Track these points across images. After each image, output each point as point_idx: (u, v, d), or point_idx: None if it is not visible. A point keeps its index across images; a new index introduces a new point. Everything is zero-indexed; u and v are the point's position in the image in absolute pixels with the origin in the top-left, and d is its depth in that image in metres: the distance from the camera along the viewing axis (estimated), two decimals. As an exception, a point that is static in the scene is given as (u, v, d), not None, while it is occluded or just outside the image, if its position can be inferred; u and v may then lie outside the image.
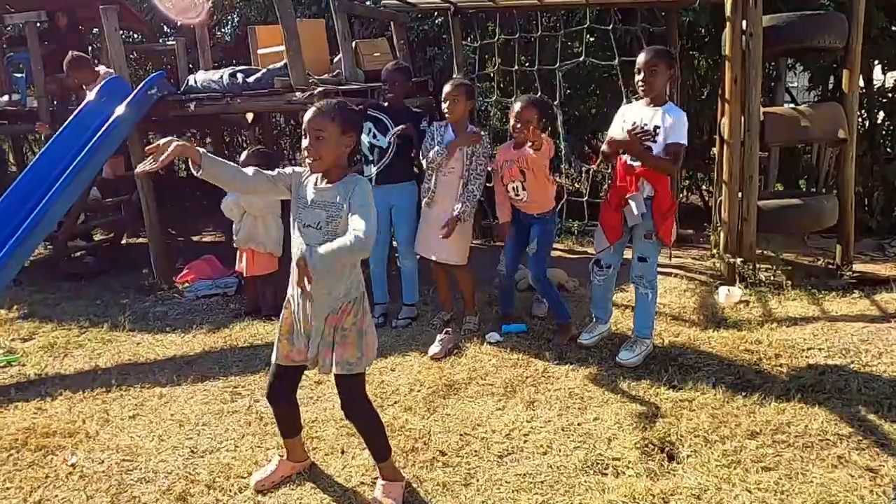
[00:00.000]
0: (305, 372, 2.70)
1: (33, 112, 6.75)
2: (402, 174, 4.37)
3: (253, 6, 7.94)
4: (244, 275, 4.82)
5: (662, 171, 3.46)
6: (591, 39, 6.13)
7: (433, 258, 4.18)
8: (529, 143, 3.62)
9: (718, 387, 3.33)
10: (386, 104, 4.38)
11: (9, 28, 8.69)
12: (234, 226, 4.76)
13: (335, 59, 5.82)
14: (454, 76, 5.78)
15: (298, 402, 2.77)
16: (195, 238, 7.70)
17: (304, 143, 2.38)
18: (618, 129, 3.60)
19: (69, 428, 3.20)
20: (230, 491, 2.69)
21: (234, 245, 4.81)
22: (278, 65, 4.83)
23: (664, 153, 3.42)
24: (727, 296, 4.45)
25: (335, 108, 2.36)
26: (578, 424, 3.08)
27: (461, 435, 3.03)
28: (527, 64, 6.45)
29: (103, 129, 4.95)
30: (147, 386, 3.66)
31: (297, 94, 4.49)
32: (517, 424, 3.10)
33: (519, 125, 3.77)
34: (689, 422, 3.04)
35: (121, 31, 5.58)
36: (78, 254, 6.49)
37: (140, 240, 7.17)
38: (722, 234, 4.86)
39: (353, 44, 5.64)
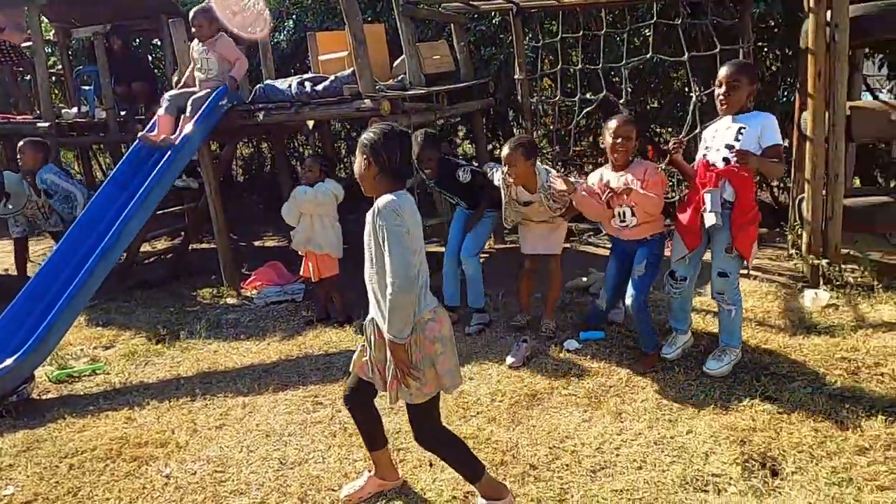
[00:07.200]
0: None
1: (101, 123, 6.99)
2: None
3: (309, 12, 7.98)
4: (312, 280, 4.84)
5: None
6: (649, 34, 5.95)
7: (537, 252, 4.22)
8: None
9: (817, 398, 3.18)
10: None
11: (73, 42, 8.97)
12: (293, 230, 4.79)
13: (395, 64, 5.81)
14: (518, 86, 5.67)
15: (379, 412, 2.73)
16: (257, 243, 7.80)
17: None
18: (704, 147, 3.50)
19: (160, 438, 3.25)
20: (323, 504, 2.69)
21: (293, 247, 4.84)
22: (346, 72, 4.83)
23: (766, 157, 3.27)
24: (814, 299, 4.26)
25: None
26: (671, 438, 2.98)
27: (550, 448, 2.96)
28: (586, 63, 6.33)
29: (174, 147, 4.92)
30: (230, 395, 3.70)
31: (366, 101, 4.48)
32: (607, 437, 3.02)
33: (619, 145, 3.61)
34: (790, 436, 2.91)
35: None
36: (147, 261, 6.65)
37: (203, 245, 7.33)
38: (805, 235, 4.66)
39: (415, 47, 5.62)
